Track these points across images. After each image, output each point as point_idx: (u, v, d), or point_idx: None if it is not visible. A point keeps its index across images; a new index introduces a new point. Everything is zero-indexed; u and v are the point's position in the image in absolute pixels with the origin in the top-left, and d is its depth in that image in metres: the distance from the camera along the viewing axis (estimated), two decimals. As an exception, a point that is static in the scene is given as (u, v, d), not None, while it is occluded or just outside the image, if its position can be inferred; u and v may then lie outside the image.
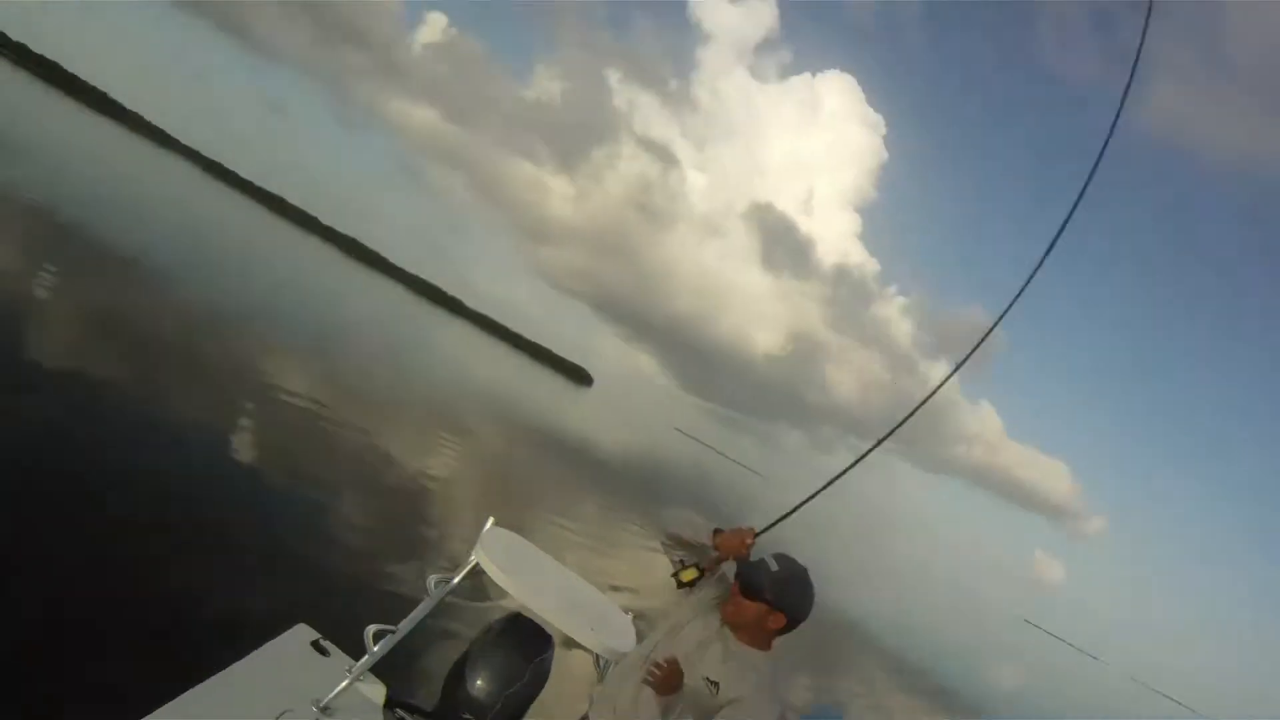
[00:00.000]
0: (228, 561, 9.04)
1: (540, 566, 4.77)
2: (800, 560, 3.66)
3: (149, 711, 3.24)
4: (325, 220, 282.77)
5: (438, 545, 13.58)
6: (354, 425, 19.20)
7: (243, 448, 13.14)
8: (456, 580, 4.51)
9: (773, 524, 4.11)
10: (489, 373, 69.90)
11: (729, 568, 3.81)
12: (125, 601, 7.12)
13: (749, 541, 3.80)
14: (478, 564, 4.29)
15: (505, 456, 27.81)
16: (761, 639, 3.58)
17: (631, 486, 32.98)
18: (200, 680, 3.48)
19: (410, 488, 16.36)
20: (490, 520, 4.69)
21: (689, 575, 3.82)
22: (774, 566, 3.55)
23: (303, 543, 10.84)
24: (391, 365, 36.44)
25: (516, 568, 4.29)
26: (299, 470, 13.74)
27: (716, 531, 3.90)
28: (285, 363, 22.02)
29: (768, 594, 3.49)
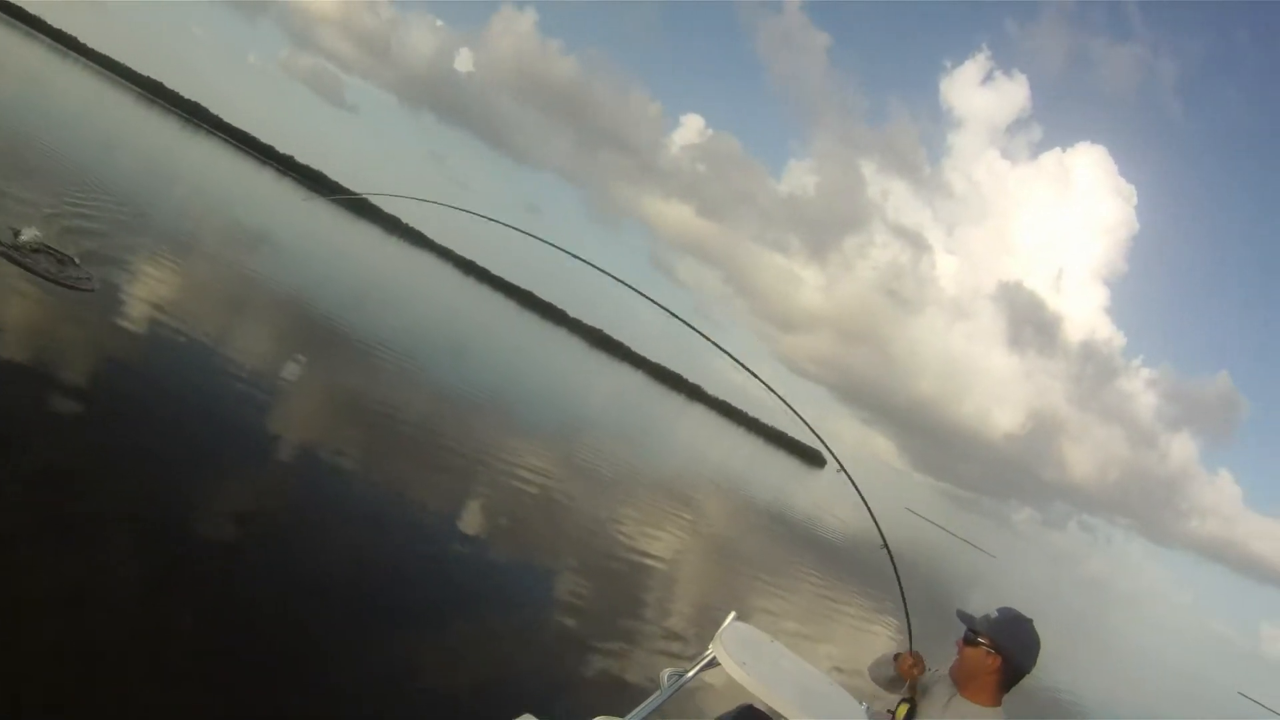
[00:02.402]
0: (446, 637, 9.14)
1: (778, 660, 4.55)
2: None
3: None
4: (573, 313, 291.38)
5: (662, 625, 13.18)
6: (587, 504, 19.64)
7: (473, 523, 13.48)
8: (692, 674, 4.46)
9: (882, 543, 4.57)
10: (723, 455, 70.28)
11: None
12: (344, 671, 7.28)
13: (912, 666, 3.78)
14: (714, 658, 4.20)
15: (732, 534, 27.98)
16: (986, 688, 3.47)
17: (855, 566, 32.66)
18: None
19: (638, 565, 16.27)
20: (731, 615, 4.69)
21: (901, 711, 3.72)
22: (994, 615, 3.52)
23: (527, 619, 10.82)
24: (628, 448, 36.89)
25: (755, 663, 4.11)
26: (527, 546, 13.98)
27: (897, 656, 3.89)
28: (524, 445, 22.62)
29: (983, 635, 3.44)
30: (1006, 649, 3.40)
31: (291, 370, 17.67)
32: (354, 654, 7.68)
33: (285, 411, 14.42)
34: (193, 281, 20.86)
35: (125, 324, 14.06)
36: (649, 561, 16.89)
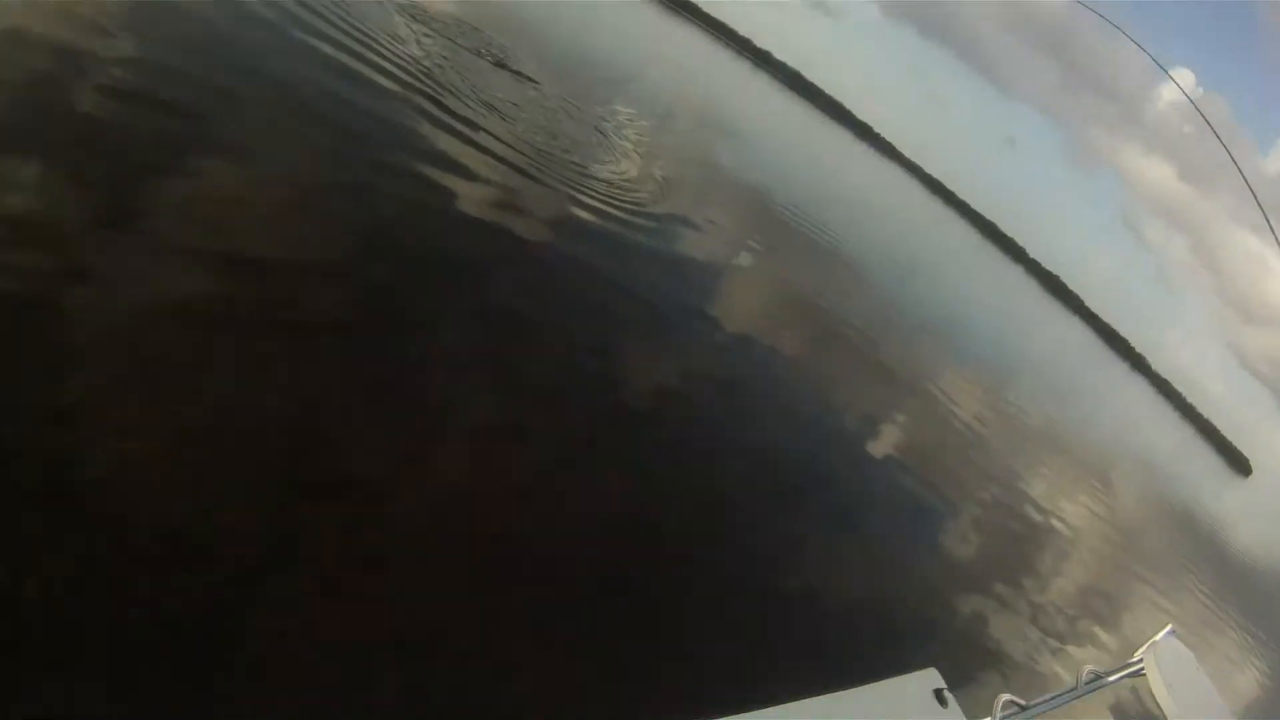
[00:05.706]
0: (847, 548, 8.75)
1: (1204, 695, 3.99)
2: None
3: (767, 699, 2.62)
4: (1032, 253, 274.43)
5: (1054, 606, 11.73)
6: (1004, 451, 18.72)
7: (889, 443, 12.88)
8: (1114, 679, 3.96)
9: None
10: (1151, 437, 64.53)
11: None
12: (745, 582, 6.87)
13: None
14: (1142, 669, 3.83)
15: (1133, 522, 24.77)
16: None
17: (1255, 587, 29.10)
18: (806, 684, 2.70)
19: (1042, 529, 15.07)
20: (1168, 628, 4.21)
21: None
22: None
23: (924, 559, 10.15)
24: (1058, 404, 34.25)
25: (1181, 688, 3.71)
26: (940, 482, 13.16)
27: None
28: (957, 375, 21.88)
29: None
30: None
31: (746, 259, 17.50)
32: (763, 528, 7.73)
33: (733, 296, 14.26)
34: (663, 162, 20.85)
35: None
36: (1055, 525, 15.86)
